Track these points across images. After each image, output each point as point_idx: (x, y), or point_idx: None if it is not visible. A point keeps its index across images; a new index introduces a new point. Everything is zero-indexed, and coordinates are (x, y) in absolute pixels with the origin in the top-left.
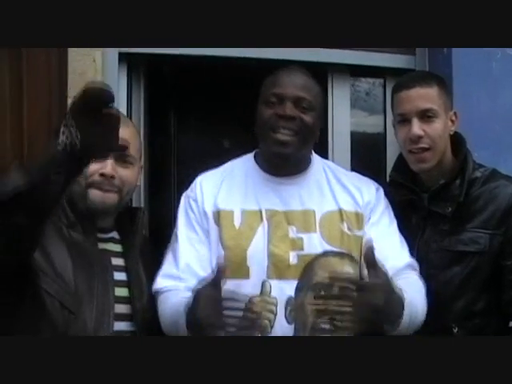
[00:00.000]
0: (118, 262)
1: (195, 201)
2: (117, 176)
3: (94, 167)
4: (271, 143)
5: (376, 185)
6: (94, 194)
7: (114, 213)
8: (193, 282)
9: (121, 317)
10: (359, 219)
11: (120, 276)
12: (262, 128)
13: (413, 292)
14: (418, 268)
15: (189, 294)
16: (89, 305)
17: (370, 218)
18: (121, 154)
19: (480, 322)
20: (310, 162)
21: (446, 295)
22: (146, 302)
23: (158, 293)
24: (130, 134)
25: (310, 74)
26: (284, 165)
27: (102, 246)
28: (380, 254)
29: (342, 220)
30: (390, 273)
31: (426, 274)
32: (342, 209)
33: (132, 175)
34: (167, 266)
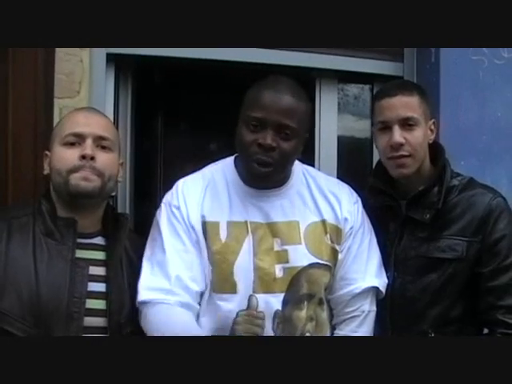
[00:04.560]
0: (98, 271)
1: (178, 209)
2: (97, 159)
3: (73, 153)
4: (250, 167)
5: (355, 197)
6: (76, 177)
7: (98, 203)
8: (185, 296)
9: (96, 330)
10: (339, 234)
11: (98, 287)
12: (241, 149)
13: None
14: (381, 288)
15: (183, 310)
16: (55, 316)
17: (349, 236)
18: (99, 137)
19: (456, 328)
20: (290, 173)
21: (422, 302)
22: (125, 316)
23: (146, 304)
24: (105, 123)
25: (298, 88)
26: (263, 183)
27: (81, 253)
28: (344, 278)
29: (325, 232)
30: (349, 298)
31: (402, 280)
32: (325, 220)
33: (112, 161)
34: (155, 279)
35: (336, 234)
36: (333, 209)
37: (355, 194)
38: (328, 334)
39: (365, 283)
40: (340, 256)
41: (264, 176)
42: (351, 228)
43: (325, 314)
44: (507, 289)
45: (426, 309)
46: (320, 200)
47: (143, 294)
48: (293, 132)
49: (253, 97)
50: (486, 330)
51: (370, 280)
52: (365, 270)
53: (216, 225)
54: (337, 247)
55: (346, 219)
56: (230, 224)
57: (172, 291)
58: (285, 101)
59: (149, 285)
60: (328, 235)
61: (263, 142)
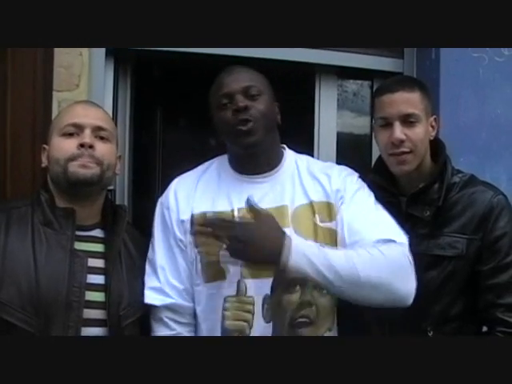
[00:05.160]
0: (97, 263)
1: (168, 209)
2: (96, 148)
3: (72, 143)
4: (236, 137)
5: (349, 170)
6: (75, 165)
7: (96, 192)
8: (173, 295)
9: (95, 322)
10: (331, 210)
11: (97, 279)
12: (224, 130)
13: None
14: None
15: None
16: (54, 306)
17: (342, 204)
18: (97, 128)
19: (455, 326)
20: (281, 158)
21: (422, 299)
22: (124, 308)
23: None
24: (103, 115)
25: (251, 69)
26: (254, 156)
27: (79, 245)
28: (353, 233)
29: (313, 213)
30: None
31: None
32: (313, 201)
33: (110, 151)
34: (150, 278)
35: (327, 211)
36: (322, 186)
37: (351, 170)
38: (332, 324)
39: (375, 236)
40: (338, 228)
41: (250, 133)
42: (342, 197)
43: (326, 300)
44: (507, 287)
45: (426, 306)
46: (308, 182)
47: (146, 296)
48: (258, 91)
49: (214, 86)
50: (485, 328)
51: (379, 234)
52: (373, 224)
53: (202, 216)
54: (329, 225)
55: (337, 190)
56: (215, 214)
57: (162, 290)
58: (242, 72)
59: (147, 285)
60: (317, 215)
61: (236, 107)
